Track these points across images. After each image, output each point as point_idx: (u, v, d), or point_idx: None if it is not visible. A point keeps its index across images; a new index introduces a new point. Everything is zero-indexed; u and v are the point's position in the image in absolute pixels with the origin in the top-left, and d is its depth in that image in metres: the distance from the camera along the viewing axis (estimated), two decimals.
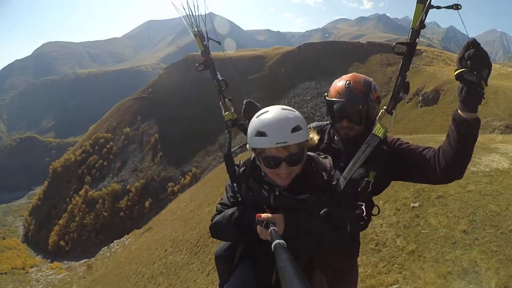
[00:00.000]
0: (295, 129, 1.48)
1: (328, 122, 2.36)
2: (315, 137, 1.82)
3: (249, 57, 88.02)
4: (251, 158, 1.80)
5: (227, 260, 1.85)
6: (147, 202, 58.92)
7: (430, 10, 1.71)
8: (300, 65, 77.10)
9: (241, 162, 1.88)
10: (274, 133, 1.46)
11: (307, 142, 1.59)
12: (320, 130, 2.32)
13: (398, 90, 1.86)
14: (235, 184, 1.81)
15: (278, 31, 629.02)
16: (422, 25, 1.73)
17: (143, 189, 62.70)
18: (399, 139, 2.12)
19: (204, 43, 2.39)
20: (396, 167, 2.02)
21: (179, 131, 72.64)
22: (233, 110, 2.34)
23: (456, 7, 1.58)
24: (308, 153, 1.71)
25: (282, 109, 1.55)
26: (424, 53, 72.15)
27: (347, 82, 2.05)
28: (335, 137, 2.23)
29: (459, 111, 1.63)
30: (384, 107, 1.94)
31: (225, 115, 2.32)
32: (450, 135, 1.71)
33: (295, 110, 1.58)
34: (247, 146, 1.66)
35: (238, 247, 1.82)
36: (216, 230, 1.86)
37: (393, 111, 1.92)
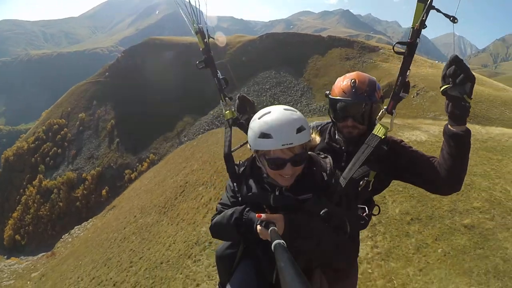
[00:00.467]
0: (300, 129, 1.48)
1: (329, 121, 2.37)
2: (316, 137, 1.85)
3: (211, 44, 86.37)
4: (251, 158, 1.80)
5: (228, 259, 1.88)
6: (104, 190, 57.05)
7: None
8: (261, 54, 77.35)
9: (241, 161, 1.89)
10: (279, 134, 1.45)
11: (309, 142, 1.60)
12: (321, 129, 2.35)
13: (398, 90, 1.84)
14: (235, 184, 1.81)
15: (242, 19, 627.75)
16: (423, 24, 1.70)
17: (99, 177, 60.71)
18: (402, 141, 2.14)
19: (205, 40, 2.40)
20: (397, 167, 2.04)
21: (137, 117, 70.89)
22: (234, 109, 2.32)
23: (453, 20, 1.60)
24: (309, 153, 1.71)
25: (285, 109, 1.55)
26: (381, 50, 74.95)
27: (353, 81, 2.04)
28: (336, 136, 2.23)
29: (448, 125, 1.67)
30: (384, 107, 1.92)
31: (225, 114, 2.29)
32: (443, 148, 1.76)
33: (296, 110, 1.58)
34: (248, 146, 1.64)
35: (239, 247, 1.85)
36: (216, 230, 1.86)
37: (393, 111, 1.89)
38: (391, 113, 1.87)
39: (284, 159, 1.50)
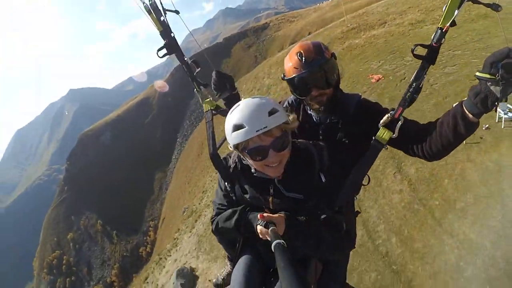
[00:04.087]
0: (271, 112, 1.40)
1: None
2: (291, 116, 1.57)
3: (135, 105, 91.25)
4: (240, 157, 1.69)
5: (229, 241, 2.06)
6: (134, 277, 57.14)
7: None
8: (184, 84, 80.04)
9: (228, 156, 1.82)
10: (251, 121, 1.37)
11: (288, 125, 1.49)
12: (297, 104, 2.21)
13: (410, 96, 1.68)
14: (228, 185, 1.76)
15: (142, 72, 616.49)
16: (453, 23, 1.48)
17: (122, 272, 61.67)
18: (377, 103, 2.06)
19: (162, 19, 1.94)
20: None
21: (116, 204, 72.12)
22: (210, 98, 2.14)
23: (496, 8, 1.41)
24: (305, 145, 1.68)
25: (252, 97, 1.49)
26: (271, 23, 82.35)
27: (299, 53, 1.90)
28: (309, 111, 2.14)
29: (464, 108, 1.49)
30: (391, 112, 1.74)
31: (203, 105, 2.10)
32: (445, 125, 1.62)
33: (265, 96, 1.53)
34: (229, 146, 1.54)
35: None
36: (218, 232, 1.86)
37: (401, 117, 1.72)
38: (398, 120, 1.73)
39: (265, 146, 1.42)
